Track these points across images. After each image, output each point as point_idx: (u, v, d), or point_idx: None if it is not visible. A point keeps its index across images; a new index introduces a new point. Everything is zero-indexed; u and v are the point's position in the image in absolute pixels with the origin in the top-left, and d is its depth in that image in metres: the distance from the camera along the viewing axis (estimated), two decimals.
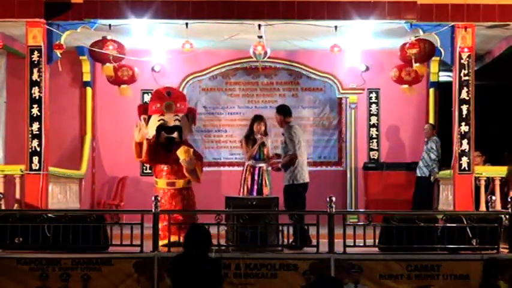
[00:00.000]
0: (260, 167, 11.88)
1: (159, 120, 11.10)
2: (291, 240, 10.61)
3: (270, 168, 12.01)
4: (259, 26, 11.89)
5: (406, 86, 13.10)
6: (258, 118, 12.16)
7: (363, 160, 15.07)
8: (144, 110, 11.41)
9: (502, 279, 8.12)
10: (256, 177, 11.83)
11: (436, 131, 14.23)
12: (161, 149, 11.13)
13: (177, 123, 11.15)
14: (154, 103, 11.24)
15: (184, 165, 11.00)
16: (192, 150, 11.19)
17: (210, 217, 10.66)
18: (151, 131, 11.20)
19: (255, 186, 11.81)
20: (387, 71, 14.25)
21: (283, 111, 11.73)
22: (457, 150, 11.95)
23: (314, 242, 10.24)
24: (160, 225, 10.33)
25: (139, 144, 11.17)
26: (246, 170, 11.97)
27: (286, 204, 11.24)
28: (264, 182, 11.85)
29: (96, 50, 12.35)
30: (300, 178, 11.35)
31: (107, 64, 12.57)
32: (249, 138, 12.03)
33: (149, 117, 11.26)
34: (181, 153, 11.02)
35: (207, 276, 6.25)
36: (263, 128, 12.02)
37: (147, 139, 11.11)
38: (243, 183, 11.88)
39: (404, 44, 12.44)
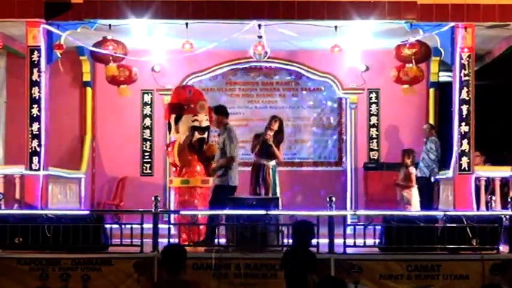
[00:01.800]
0: (264, 165, 11.83)
1: (193, 121, 11.11)
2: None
3: (276, 166, 12.00)
4: (259, 26, 11.88)
5: (406, 86, 13.10)
6: (274, 117, 12.10)
7: (363, 160, 15.05)
8: (173, 108, 11.37)
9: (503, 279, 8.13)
10: (261, 176, 11.80)
11: (435, 131, 14.23)
12: (191, 149, 11.15)
13: (207, 123, 11.21)
14: (187, 103, 11.15)
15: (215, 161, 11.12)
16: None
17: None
18: (183, 129, 11.24)
19: (261, 185, 11.78)
20: (387, 71, 14.25)
21: (221, 112, 11.33)
22: (457, 151, 11.95)
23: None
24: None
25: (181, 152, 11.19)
26: (252, 169, 11.97)
27: (211, 203, 10.99)
28: (269, 180, 11.81)
29: (98, 50, 12.36)
30: (234, 180, 11.04)
31: (110, 64, 12.59)
32: (260, 135, 11.96)
33: (178, 117, 11.25)
34: (215, 149, 11.14)
35: (308, 266, 7.07)
36: (276, 125, 11.89)
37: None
38: (250, 182, 11.89)
39: (399, 45, 12.46)
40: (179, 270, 6.77)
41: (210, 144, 11.33)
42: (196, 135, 11.17)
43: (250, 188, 11.93)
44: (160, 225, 10.38)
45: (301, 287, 7.02)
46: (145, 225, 10.23)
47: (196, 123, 11.14)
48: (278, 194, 11.74)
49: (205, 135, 11.24)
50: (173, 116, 11.35)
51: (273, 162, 11.91)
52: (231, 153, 10.95)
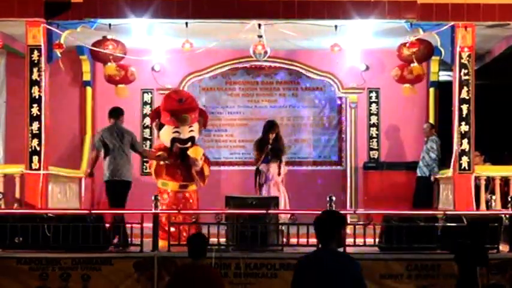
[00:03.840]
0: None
1: (173, 132, 11.17)
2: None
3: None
4: (260, 25, 11.88)
5: (407, 85, 13.10)
6: (271, 127, 12.06)
7: (363, 160, 15.06)
8: (156, 116, 11.47)
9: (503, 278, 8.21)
10: (264, 180, 11.87)
11: (435, 131, 14.23)
12: (173, 158, 11.21)
13: (191, 134, 11.24)
14: (169, 113, 11.21)
15: (198, 164, 11.11)
16: (202, 151, 11.36)
17: (210, 217, 10.68)
18: (164, 139, 11.31)
19: (264, 188, 11.83)
20: (387, 70, 14.26)
21: (115, 114, 11.74)
22: (457, 150, 11.95)
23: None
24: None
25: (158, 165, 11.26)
26: (257, 174, 11.96)
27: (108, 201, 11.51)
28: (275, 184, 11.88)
29: (97, 49, 12.36)
30: (115, 175, 11.32)
31: (109, 64, 12.60)
32: (262, 143, 11.96)
33: (161, 125, 11.32)
34: (197, 152, 11.15)
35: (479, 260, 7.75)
36: (273, 136, 11.93)
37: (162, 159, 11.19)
38: (257, 187, 11.90)
39: (402, 44, 12.47)
40: (200, 256, 7.61)
41: (196, 148, 11.37)
42: (177, 146, 11.22)
43: (257, 192, 11.93)
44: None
45: (472, 281, 7.55)
46: (145, 225, 10.23)
47: (176, 135, 11.19)
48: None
49: (189, 145, 11.28)
50: (156, 124, 11.45)
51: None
52: (96, 147, 11.46)
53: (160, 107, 11.52)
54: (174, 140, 11.21)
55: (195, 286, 7.39)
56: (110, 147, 11.37)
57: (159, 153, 11.35)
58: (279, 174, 11.81)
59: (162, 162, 11.29)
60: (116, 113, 11.72)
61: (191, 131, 11.26)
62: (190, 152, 11.24)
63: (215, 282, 7.53)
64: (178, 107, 11.23)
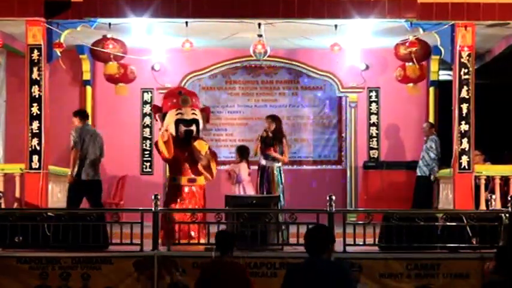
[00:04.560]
0: (268, 166, 11.91)
1: (176, 114, 11.18)
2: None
3: (281, 167, 12.07)
4: (259, 24, 11.89)
5: (411, 84, 13.09)
6: (268, 117, 12.29)
7: (363, 159, 15.06)
8: (158, 108, 11.51)
9: None
10: (265, 176, 11.91)
11: (435, 130, 14.23)
12: (179, 143, 11.20)
13: (195, 116, 11.26)
14: (170, 100, 11.32)
15: (203, 158, 11.12)
16: (207, 146, 11.40)
17: (210, 216, 10.67)
18: (169, 126, 11.29)
19: (265, 185, 11.86)
20: (387, 69, 14.27)
21: (85, 116, 12.49)
22: (457, 149, 11.95)
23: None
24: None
25: (165, 143, 11.20)
26: (258, 169, 12.05)
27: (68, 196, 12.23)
28: (273, 181, 11.90)
29: (97, 49, 12.37)
30: (84, 175, 11.97)
31: (110, 63, 12.62)
32: (262, 136, 12.13)
33: (164, 115, 11.33)
34: (201, 146, 11.15)
35: None
36: (272, 126, 12.04)
37: (171, 135, 11.21)
38: (256, 182, 12.04)
39: (400, 43, 12.46)
40: (227, 252, 7.76)
41: (199, 139, 11.35)
42: (182, 127, 11.22)
43: (255, 188, 12.08)
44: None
45: None
46: (145, 224, 10.23)
47: (179, 116, 11.21)
48: (281, 195, 11.80)
49: (193, 128, 11.27)
50: (159, 115, 11.48)
51: (277, 163, 11.97)
52: (73, 146, 12.03)
53: (162, 100, 11.60)
54: (178, 122, 11.21)
55: (223, 281, 7.48)
56: (84, 147, 11.92)
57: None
58: (249, 174, 12.00)
59: (165, 138, 11.22)
60: (86, 115, 12.48)
61: (194, 113, 11.30)
62: (201, 145, 11.23)
63: (242, 278, 7.59)
64: (179, 95, 11.37)
